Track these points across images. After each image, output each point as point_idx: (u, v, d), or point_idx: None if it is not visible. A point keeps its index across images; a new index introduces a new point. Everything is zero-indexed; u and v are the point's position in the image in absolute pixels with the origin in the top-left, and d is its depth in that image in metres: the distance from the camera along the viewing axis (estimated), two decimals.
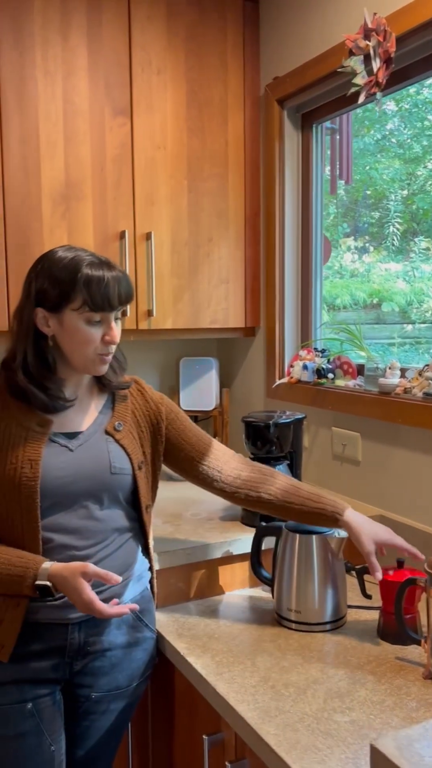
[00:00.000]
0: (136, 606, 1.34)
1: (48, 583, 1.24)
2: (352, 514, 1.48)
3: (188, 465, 1.52)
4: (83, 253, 1.33)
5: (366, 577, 1.50)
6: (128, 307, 1.40)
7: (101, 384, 1.45)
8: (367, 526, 1.47)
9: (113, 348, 1.36)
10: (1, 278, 1.91)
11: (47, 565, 1.26)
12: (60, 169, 1.97)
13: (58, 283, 1.29)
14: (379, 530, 1.48)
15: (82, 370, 1.36)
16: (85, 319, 1.30)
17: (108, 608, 1.25)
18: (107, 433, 1.41)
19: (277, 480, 1.54)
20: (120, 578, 1.26)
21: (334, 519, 1.48)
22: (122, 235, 2.06)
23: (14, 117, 1.90)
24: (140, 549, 1.48)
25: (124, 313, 1.41)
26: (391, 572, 1.45)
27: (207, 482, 1.53)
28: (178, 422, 1.53)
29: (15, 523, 1.31)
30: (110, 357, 1.36)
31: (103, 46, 2.00)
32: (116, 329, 1.35)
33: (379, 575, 1.42)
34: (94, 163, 2.01)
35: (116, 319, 1.36)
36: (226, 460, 1.55)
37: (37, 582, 1.24)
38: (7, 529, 1.32)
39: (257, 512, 1.63)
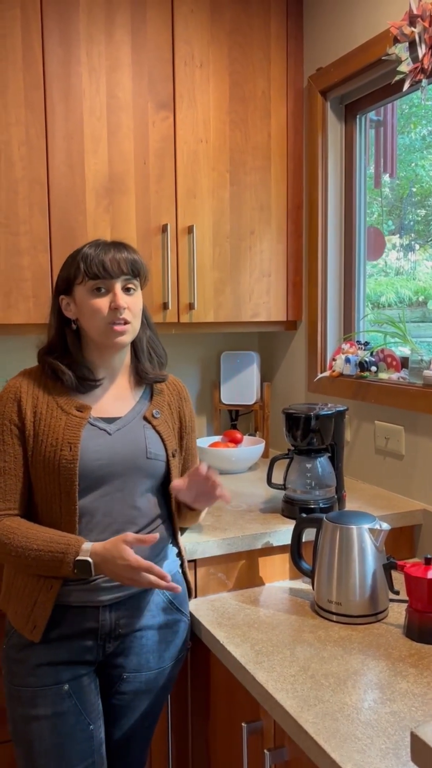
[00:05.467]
0: (176, 587, 1.31)
1: (89, 558, 1.27)
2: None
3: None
4: (93, 240, 1.42)
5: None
6: (135, 281, 1.41)
7: (138, 375, 1.48)
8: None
9: (126, 315, 1.37)
10: (46, 271, 1.94)
11: (88, 545, 1.29)
12: (103, 163, 1.99)
13: (66, 267, 1.41)
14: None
15: (105, 345, 1.40)
16: (89, 289, 1.37)
17: (154, 565, 1.26)
18: (145, 419, 1.45)
19: None
20: (157, 535, 1.28)
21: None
22: (164, 228, 2.08)
23: (59, 112, 1.93)
24: (170, 536, 1.50)
25: (139, 287, 1.44)
26: (418, 568, 1.41)
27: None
28: (191, 435, 1.58)
29: (53, 505, 1.34)
30: (126, 326, 1.38)
31: (146, 41, 2.02)
32: (124, 297, 1.37)
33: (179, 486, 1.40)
34: (137, 156, 2.03)
35: (127, 289, 1.39)
36: None
37: (78, 558, 1.27)
38: (45, 511, 1.36)
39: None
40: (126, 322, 1.38)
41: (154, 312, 2.08)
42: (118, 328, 1.37)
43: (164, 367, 1.53)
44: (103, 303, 1.36)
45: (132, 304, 1.39)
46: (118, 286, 1.37)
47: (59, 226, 1.96)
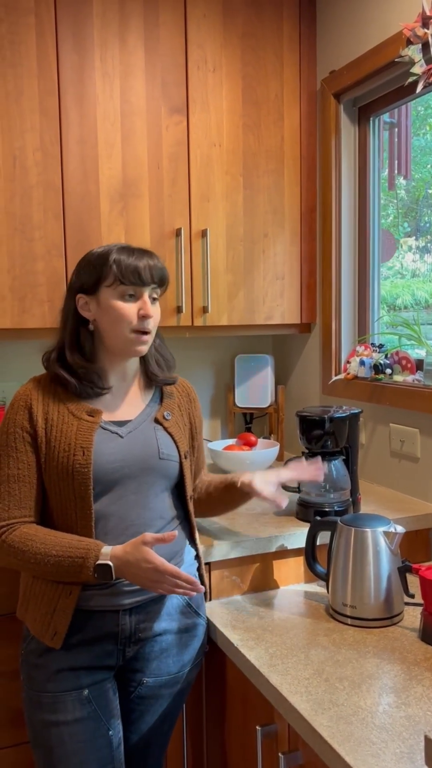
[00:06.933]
0: (200, 586, 1.31)
1: (109, 562, 1.27)
2: (249, 473, 1.52)
3: None
4: (117, 244, 1.41)
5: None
6: (159, 291, 1.43)
7: (148, 378, 1.49)
8: (259, 474, 1.52)
9: (150, 325, 1.38)
10: (61, 276, 1.96)
11: (107, 548, 1.29)
12: (117, 168, 2.01)
13: (93, 267, 1.38)
14: (270, 472, 1.55)
15: (122, 351, 1.40)
16: (118, 294, 1.36)
17: (181, 571, 1.26)
18: (156, 421, 1.45)
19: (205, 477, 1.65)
20: (176, 533, 1.28)
21: (234, 483, 1.52)
22: (178, 232, 2.08)
23: (74, 118, 1.94)
24: (187, 538, 1.50)
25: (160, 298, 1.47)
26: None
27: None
28: (200, 435, 1.60)
29: (68, 510, 1.35)
30: (148, 337, 1.39)
31: (159, 45, 2.03)
32: (151, 307, 1.38)
33: (283, 503, 1.48)
34: (150, 161, 2.04)
35: (153, 299, 1.40)
36: (200, 479, 1.65)
37: (99, 562, 1.26)
38: (61, 516, 1.36)
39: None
40: (148, 332, 1.39)
41: (168, 315, 2.08)
42: (143, 337, 1.38)
43: (172, 369, 1.54)
44: (131, 309, 1.36)
45: (156, 314, 1.41)
46: (146, 294, 1.38)
47: (74, 231, 1.97)
